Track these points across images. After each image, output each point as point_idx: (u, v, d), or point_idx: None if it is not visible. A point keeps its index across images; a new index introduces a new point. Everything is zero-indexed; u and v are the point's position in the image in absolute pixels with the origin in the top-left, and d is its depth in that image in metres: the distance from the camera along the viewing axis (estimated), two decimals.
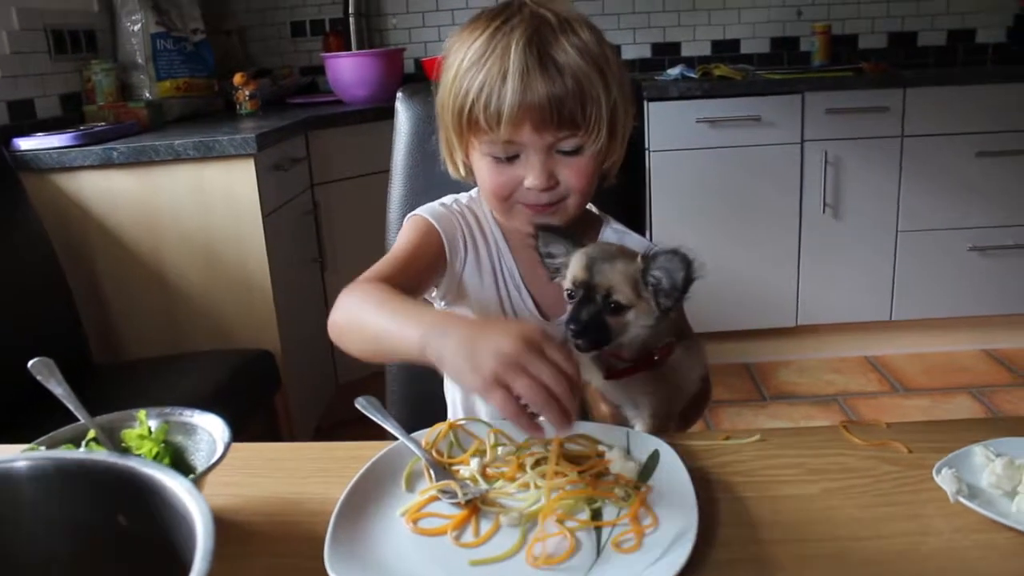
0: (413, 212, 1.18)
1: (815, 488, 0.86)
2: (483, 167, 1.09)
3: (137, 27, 2.88)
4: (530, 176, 1.05)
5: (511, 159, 1.06)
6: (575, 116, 1.02)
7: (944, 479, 0.83)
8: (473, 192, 1.22)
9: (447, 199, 1.21)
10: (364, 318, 0.96)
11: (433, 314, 0.96)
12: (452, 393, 1.27)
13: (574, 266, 0.97)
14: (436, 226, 1.14)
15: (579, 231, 1.06)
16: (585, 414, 1.11)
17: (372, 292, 0.98)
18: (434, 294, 1.18)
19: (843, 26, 3.64)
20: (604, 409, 1.05)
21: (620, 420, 1.03)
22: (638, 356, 0.99)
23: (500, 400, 0.75)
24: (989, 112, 3.07)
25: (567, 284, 0.98)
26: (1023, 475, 0.82)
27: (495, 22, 1.04)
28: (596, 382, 1.03)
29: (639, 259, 0.95)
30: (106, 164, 2.23)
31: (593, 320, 0.94)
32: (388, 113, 1.54)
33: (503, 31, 1.02)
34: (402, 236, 1.16)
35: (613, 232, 1.22)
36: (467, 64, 1.04)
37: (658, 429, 0.99)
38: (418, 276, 1.11)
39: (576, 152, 1.06)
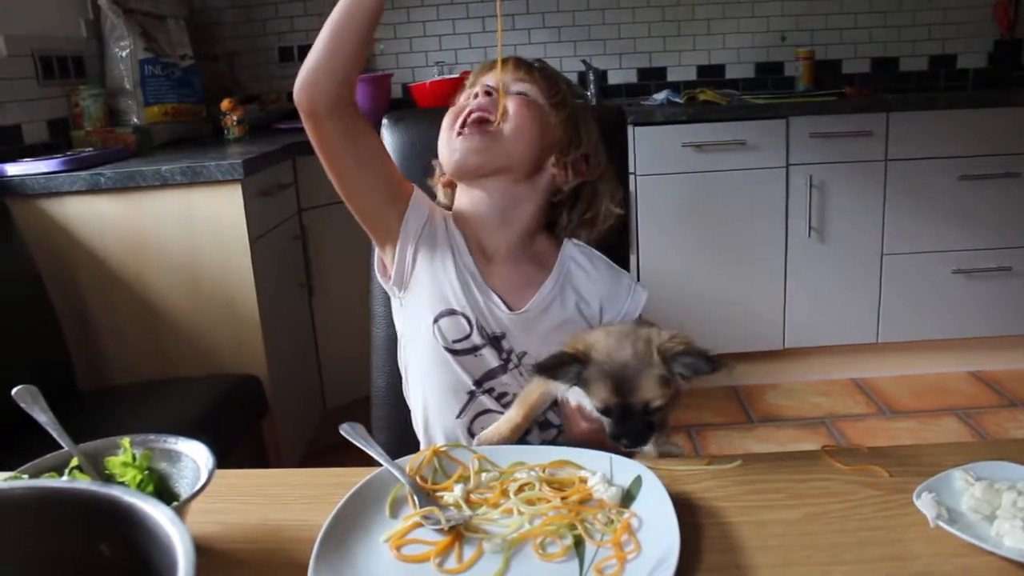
0: None
1: (797, 513, 0.87)
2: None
3: (125, 53, 2.89)
4: (489, 85, 1.23)
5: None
6: (533, 72, 1.26)
7: (924, 503, 0.83)
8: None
9: None
10: (326, 25, 1.08)
11: None
12: (417, 397, 1.28)
13: (600, 390, 0.97)
14: (413, 185, 1.24)
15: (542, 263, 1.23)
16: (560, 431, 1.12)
17: None
18: (391, 282, 1.23)
19: (826, 51, 3.68)
20: (584, 426, 1.06)
21: (599, 437, 1.04)
22: None
23: None
24: (971, 136, 3.10)
25: (597, 404, 0.98)
26: (1002, 499, 0.82)
27: None
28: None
29: (656, 356, 0.95)
30: (93, 190, 2.23)
31: (641, 431, 0.97)
32: None
33: None
34: None
35: (575, 247, 1.26)
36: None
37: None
38: (381, 154, 1.20)
39: (525, 94, 1.23)
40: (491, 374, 1.19)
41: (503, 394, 1.19)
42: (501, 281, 1.21)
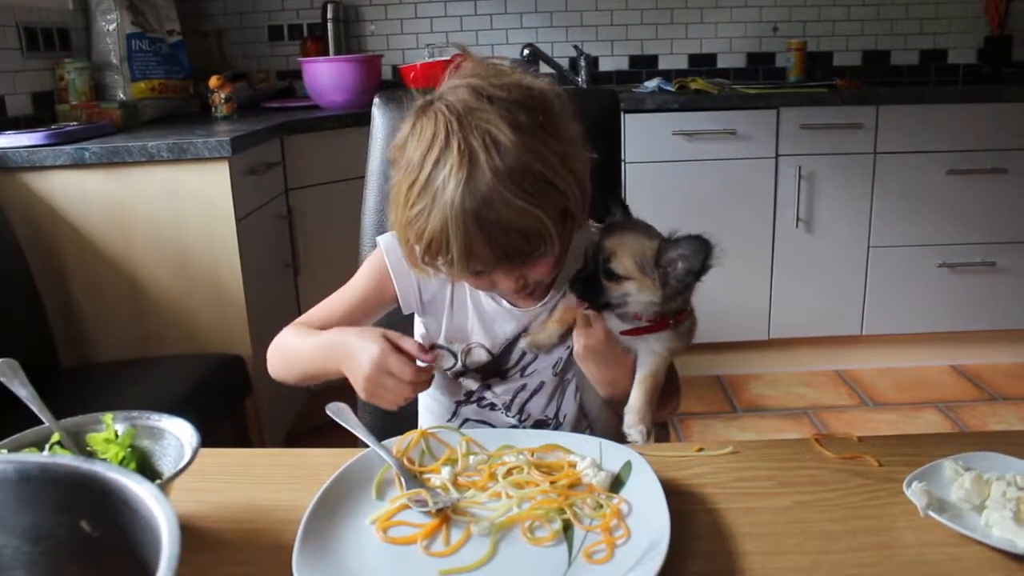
0: (382, 236, 1.20)
1: (787, 500, 0.87)
2: None
3: (112, 26, 2.85)
4: (502, 287, 1.08)
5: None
6: (528, 253, 0.98)
7: (914, 493, 0.83)
8: None
9: None
10: (292, 348, 1.20)
11: (330, 339, 1.11)
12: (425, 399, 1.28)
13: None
14: (392, 279, 1.17)
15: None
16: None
17: (293, 332, 1.23)
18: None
19: (818, 43, 3.68)
20: (596, 332, 1.07)
21: (605, 347, 1.07)
22: (654, 319, 1.05)
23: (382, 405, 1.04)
24: (960, 131, 3.11)
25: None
26: (991, 489, 0.82)
27: (432, 153, 0.95)
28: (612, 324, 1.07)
29: (658, 242, 1.00)
30: (78, 164, 2.20)
31: (586, 279, 1.01)
32: (365, 119, 1.54)
33: (438, 173, 0.94)
34: (359, 275, 1.23)
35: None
36: (412, 210, 0.97)
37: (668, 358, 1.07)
38: (361, 320, 1.21)
39: (539, 258, 1.02)
40: (472, 393, 1.20)
41: (492, 403, 1.20)
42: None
